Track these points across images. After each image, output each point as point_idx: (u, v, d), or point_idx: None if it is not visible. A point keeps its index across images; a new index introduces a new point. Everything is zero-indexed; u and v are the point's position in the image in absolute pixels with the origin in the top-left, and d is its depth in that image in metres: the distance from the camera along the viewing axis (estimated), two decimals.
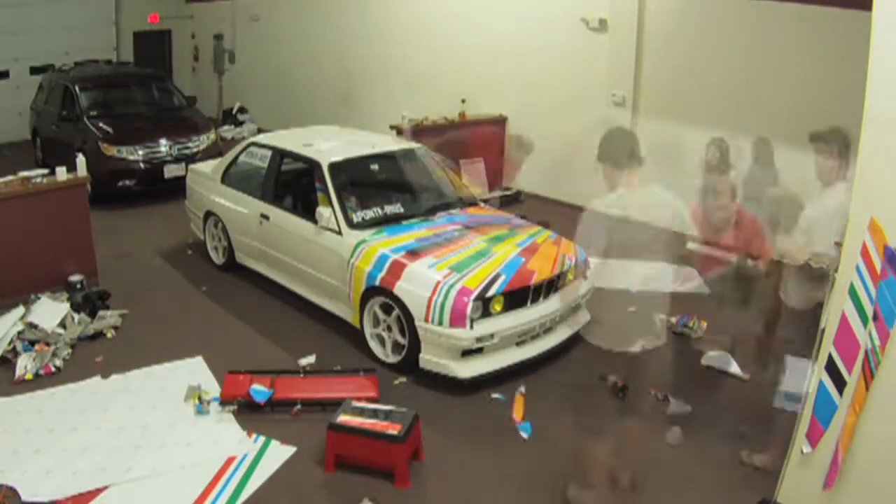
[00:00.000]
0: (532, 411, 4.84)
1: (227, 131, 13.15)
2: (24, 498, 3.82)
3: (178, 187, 7.74)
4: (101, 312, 5.96)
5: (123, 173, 8.98)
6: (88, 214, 6.70)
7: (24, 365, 5.19)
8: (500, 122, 9.76)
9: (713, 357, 5.39)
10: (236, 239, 6.81)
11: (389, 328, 5.30)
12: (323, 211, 5.72)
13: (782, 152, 6.57)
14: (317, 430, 4.36)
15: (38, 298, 6.03)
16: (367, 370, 5.11)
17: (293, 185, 6.53)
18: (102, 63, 11.60)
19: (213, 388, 5.01)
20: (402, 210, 5.98)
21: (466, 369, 4.97)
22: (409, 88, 10.77)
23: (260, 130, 11.72)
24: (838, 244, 3.96)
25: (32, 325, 5.55)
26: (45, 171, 6.65)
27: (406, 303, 5.03)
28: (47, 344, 5.40)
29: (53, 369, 5.24)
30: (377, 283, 5.22)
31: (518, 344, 5.22)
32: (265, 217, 6.34)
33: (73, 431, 4.49)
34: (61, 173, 6.41)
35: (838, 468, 3.52)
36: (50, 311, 5.77)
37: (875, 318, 3.36)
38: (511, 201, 9.27)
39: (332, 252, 5.65)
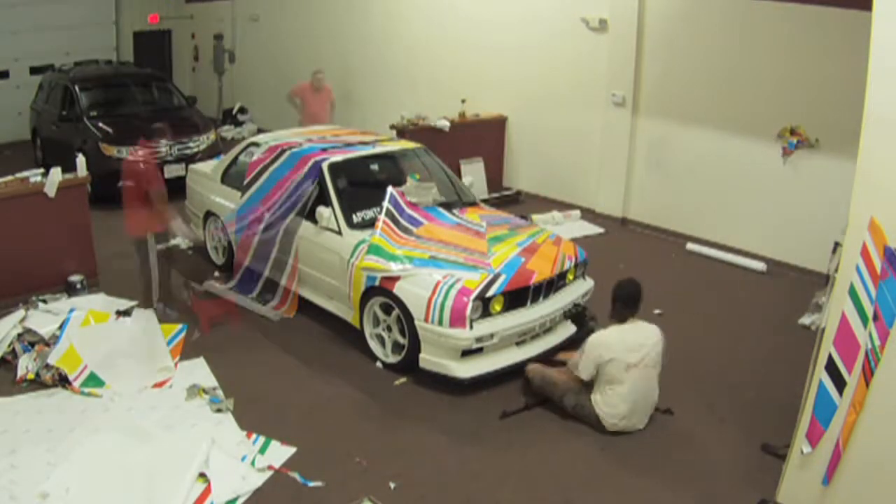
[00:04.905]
0: (530, 412, 4.86)
1: (227, 131, 13.14)
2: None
3: (178, 187, 7.72)
4: None
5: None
6: (88, 214, 6.69)
7: (26, 365, 5.18)
8: (501, 121, 9.76)
9: None
10: (236, 239, 6.80)
11: (389, 328, 5.29)
12: (323, 211, 5.71)
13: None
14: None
15: (39, 299, 6.03)
16: None
17: None
18: (102, 63, 11.59)
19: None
20: None
21: (466, 369, 4.96)
22: (409, 88, 10.77)
23: (260, 130, 11.70)
24: (838, 244, 3.96)
25: (30, 330, 5.53)
26: (43, 170, 6.63)
27: (406, 303, 5.02)
28: (47, 344, 5.39)
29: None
30: (377, 282, 5.22)
31: (518, 344, 5.22)
32: None
33: (72, 432, 4.49)
34: (55, 174, 6.35)
35: (839, 461, 3.53)
36: (47, 317, 5.74)
37: (875, 318, 3.35)
38: (511, 201, 9.27)
39: (332, 252, 5.64)
